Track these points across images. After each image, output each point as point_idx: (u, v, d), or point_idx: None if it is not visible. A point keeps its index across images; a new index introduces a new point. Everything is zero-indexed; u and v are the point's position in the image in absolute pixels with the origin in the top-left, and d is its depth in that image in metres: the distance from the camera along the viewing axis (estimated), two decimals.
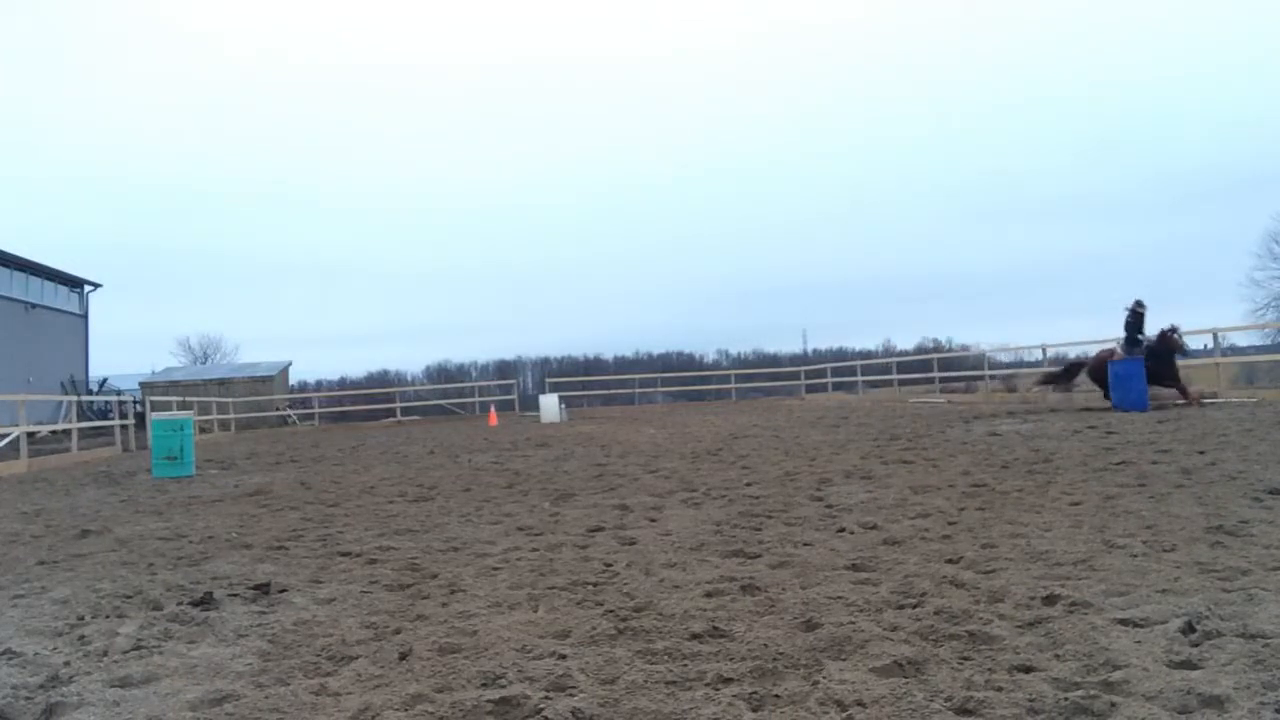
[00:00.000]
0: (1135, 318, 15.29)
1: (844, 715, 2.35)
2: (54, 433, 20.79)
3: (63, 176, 79.80)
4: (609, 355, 52.38)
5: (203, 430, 22.98)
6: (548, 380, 34.96)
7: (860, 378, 31.08)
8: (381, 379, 46.28)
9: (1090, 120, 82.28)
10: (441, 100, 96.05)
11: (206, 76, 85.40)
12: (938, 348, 44.28)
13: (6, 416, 21.58)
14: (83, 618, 3.74)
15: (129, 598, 4.07)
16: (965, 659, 2.74)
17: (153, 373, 40.07)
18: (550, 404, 23.71)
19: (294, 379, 41.59)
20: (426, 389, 38.24)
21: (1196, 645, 2.71)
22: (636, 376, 36.60)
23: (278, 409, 32.45)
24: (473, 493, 7.79)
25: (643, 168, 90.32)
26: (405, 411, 31.40)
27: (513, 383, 35.45)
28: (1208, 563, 3.74)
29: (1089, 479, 6.49)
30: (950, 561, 4.12)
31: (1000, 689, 2.44)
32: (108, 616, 3.75)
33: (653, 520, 5.78)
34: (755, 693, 2.53)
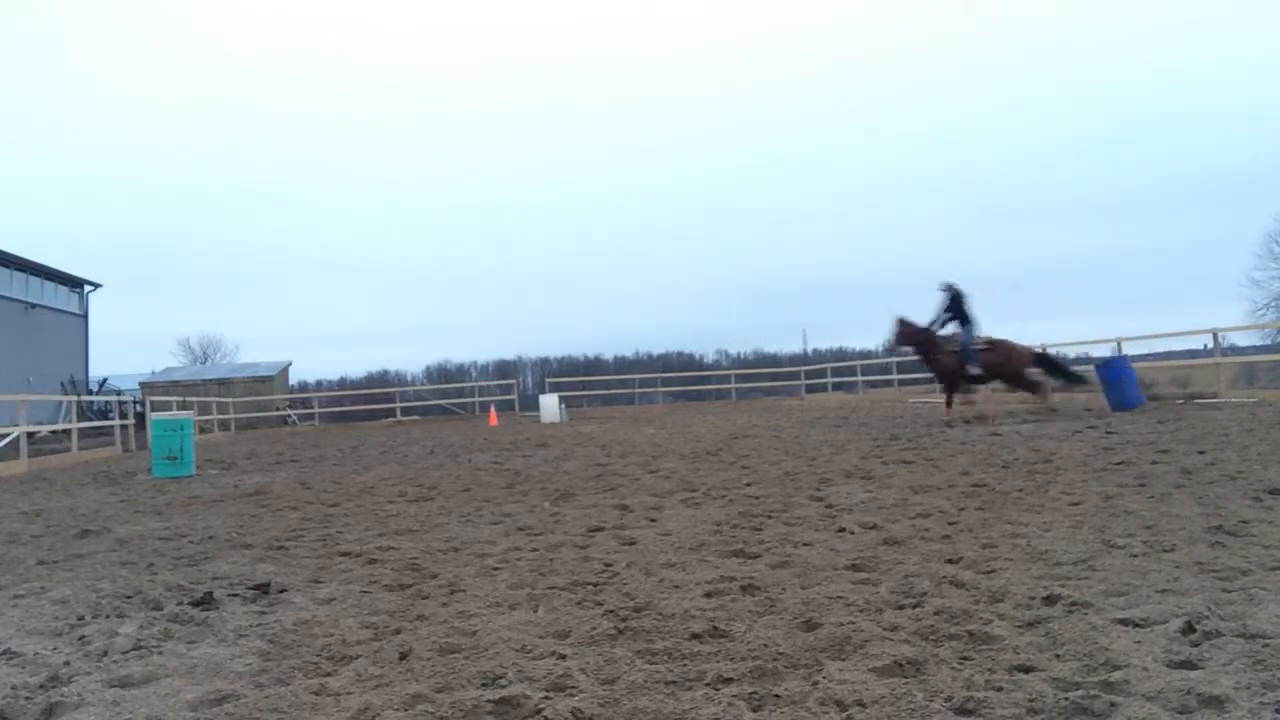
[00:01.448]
0: (954, 299, 13.27)
1: (844, 715, 2.35)
2: (54, 433, 20.78)
3: (63, 176, 79.84)
4: (609, 355, 52.31)
5: (203, 430, 22.98)
6: (548, 380, 34.98)
7: (860, 378, 31.09)
8: (381, 379, 46.22)
9: (1090, 120, 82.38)
10: (441, 100, 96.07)
11: (206, 76, 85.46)
12: None
13: (6, 416, 21.58)
14: (83, 618, 3.74)
15: (129, 598, 4.07)
16: (965, 659, 2.74)
17: (153, 373, 40.06)
18: (550, 404, 23.72)
19: (294, 379, 41.58)
20: (426, 389, 38.21)
21: (1196, 645, 2.71)
22: (636, 376, 36.60)
23: (278, 409, 32.45)
24: (473, 493, 7.79)
25: (643, 167, 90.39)
26: (405, 411, 31.41)
27: (513, 383, 35.47)
28: (1208, 563, 3.74)
29: (1089, 479, 6.49)
30: (950, 561, 4.12)
31: (1000, 689, 2.44)
32: (108, 616, 3.74)
33: (653, 520, 5.78)
34: (755, 693, 2.53)
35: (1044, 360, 14.15)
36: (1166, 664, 2.58)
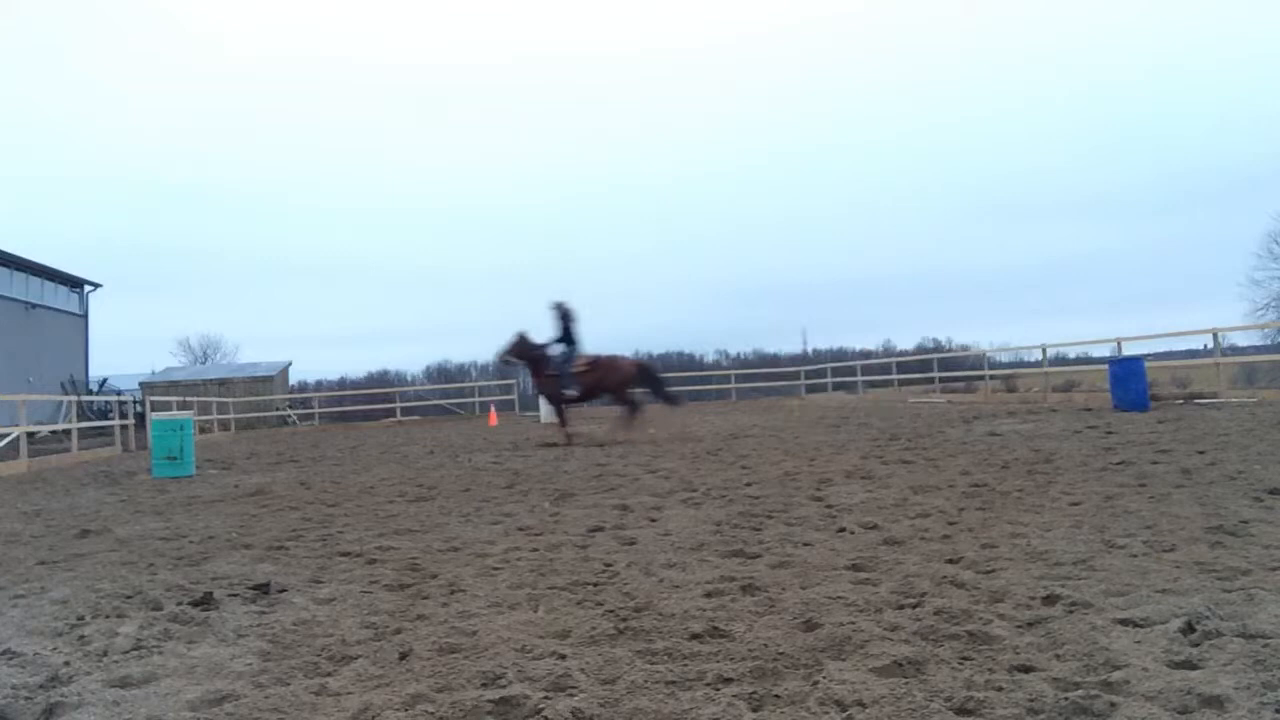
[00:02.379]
0: (564, 319, 13.32)
1: (844, 715, 2.35)
2: (54, 433, 20.78)
3: (63, 176, 79.87)
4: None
5: (203, 430, 22.97)
6: None
7: (860, 378, 31.10)
8: (381, 379, 46.22)
9: (1090, 120, 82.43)
10: (442, 99, 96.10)
11: (206, 76, 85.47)
12: (938, 348, 44.31)
13: (6, 416, 21.57)
14: (83, 618, 3.73)
15: (129, 598, 4.07)
16: (965, 659, 2.73)
17: (153, 373, 40.09)
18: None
19: (294, 379, 41.62)
20: (426, 389, 38.21)
21: (1196, 645, 2.71)
22: None
23: (278, 409, 32.44)
24: (473, 493, 7.79)
25: (643, 167, 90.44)
26: (405, 411, 31.39)
27: (513, 383, 35.41)
28: (1208, 563, 3.74)
29: (1089, 479, 6.49)
30: (950, 561, 4.11)
31: (1000, 689, 2.44)
32: (108, 616, 3.74)
33: (653, 520, 5.78)
34: (755, 693, 2.53)
35: (645, 372, 14.26)
36: (1166, 664, 2.58)
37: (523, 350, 13.39)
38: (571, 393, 13.17)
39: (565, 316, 13.30)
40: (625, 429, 13.13)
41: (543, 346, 13.32)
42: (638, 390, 13.47)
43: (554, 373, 13.08)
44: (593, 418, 24.04)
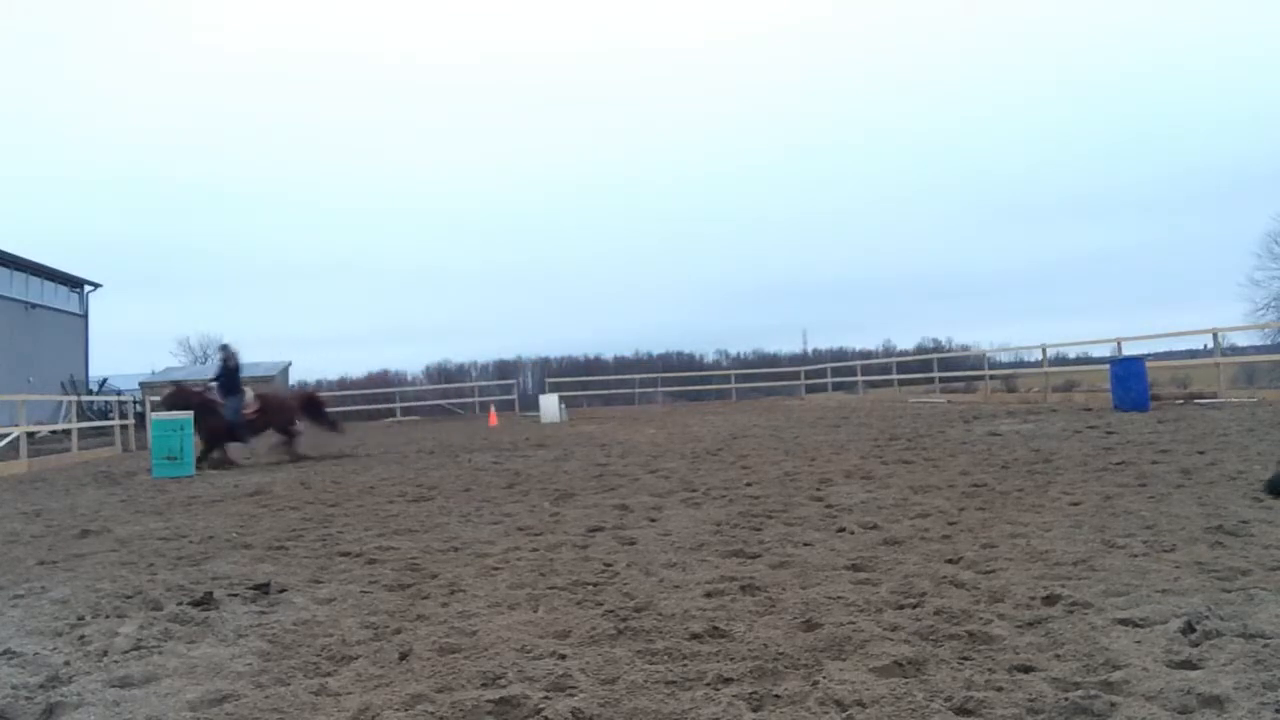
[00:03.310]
0: (227, 366, 13.82)
1: (844, 715, 2.35)
2: (54, 433, 20.78)
3: (63, 176, 79.86)
4: (609, 355, 52.25)
5: None
6: (548, 380, 34.96)
7: (860, 378, 31.13)
8: (381, 379, 46.15)
9: (1090, 120, 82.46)
10: (442, 97, 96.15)
11: (206, 76, 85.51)
12: (938, 348, 44.30)
13: (6, 416, 21.57)
14: (83, 618, 3.74)
15: (129, 598, 4.07)
16: (965, 659, 2.74)
17: (153, 373, 40.05)
18: (550, 404, 23.73)
19: (294, 379, 41.57)
20: (426, 389, 38.21)
21: (1196, 645, 2.71)
22: (636, 376, 36.61)
23: None
24: (473, 493, 7.79)
25: (642, 167, 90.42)
26: (405, 411, 31.41)
27: (513, 383, 35.50)
28: (1208, 563, 3.74)
29: (1089, 479, 6.49)
30: (950, 561, 4.12)
31: (1000, 689, 2.44)
32: (108, 616, 3.74)
33: (653, 520, 5.78)
34: (755, 693, 2.53)
35: (311, 404, 14.82)
36: (1166, 664, 2.58)
37: (180, 401, 13.40)
38: (246, 437, 13.67)
39: (229, 361, 13.84)
40: (285, 452, 13.65)
41: (202, 394, 13.52)
42: (303, 421, 14.16)
43: (226, 423, 13.37)
44: (591, 417, 24.02)
